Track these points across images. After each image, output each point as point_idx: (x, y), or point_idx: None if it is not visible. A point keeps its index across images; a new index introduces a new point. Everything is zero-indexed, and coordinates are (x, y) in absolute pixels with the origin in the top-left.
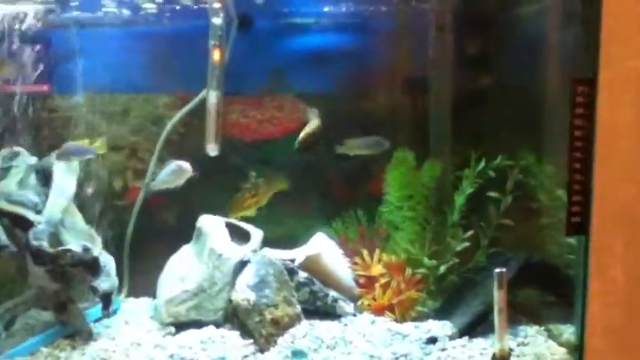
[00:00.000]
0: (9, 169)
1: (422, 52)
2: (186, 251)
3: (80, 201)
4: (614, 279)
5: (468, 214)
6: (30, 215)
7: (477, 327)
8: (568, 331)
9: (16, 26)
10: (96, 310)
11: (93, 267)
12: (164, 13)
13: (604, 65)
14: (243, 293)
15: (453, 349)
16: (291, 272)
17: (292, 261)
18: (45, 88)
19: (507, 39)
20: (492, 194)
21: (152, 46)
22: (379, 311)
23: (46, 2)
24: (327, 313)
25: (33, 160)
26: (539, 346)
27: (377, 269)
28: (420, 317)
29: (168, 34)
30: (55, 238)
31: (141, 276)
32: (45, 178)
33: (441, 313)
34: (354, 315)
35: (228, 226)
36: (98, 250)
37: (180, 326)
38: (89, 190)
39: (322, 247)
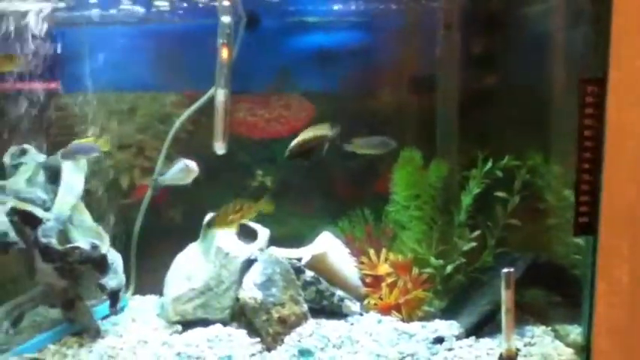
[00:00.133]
0: (18, 166)
1: (429, 50)
2: (193, 249)
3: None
4: (620, 280)
5: (475, 214)
6: (39, 212)
7: (483, 327)
8: (575, 332)
9: (26, 24)
10: (103, 307)
11: (101, 264)
12: (174, 11)
13: (613, 65)
14: (250, 292)
15: (460, 349)
16: (298, 271)
17: (298, 260)
18: (54, 85)
19: (515, 38)
20: (500, 194)
21: (161, 44)
22: (386, 311)
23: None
24: (334, 312)
25: (41, 157)
26: (546, 346)
27: (383, 268)
28: (427, 317)
29: (177, 33)
30: (64, 236)
31: (147, 274)
32: (53, 175)
33: (447, 313)
34: (361, 314)
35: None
36: (106, 248)
37: (187, 324)
38: (97, 188)
39: (328, 246)
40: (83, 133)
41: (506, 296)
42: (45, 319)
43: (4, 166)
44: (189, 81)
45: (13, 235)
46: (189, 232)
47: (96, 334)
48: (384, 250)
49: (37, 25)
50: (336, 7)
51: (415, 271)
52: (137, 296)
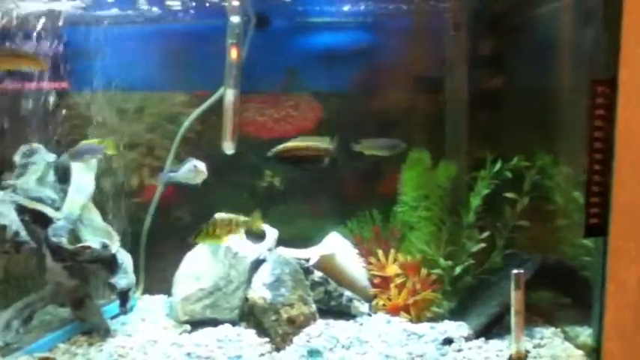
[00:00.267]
0: (28, 165)
1: (438, 51)
2: (201, 249)
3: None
4: (629, 281)
5: (483, 215)
6: (49, 212)
7: (492, 328)
8: (584, 334)
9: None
10: (112, 307)
11: (111, 264)
12: (186, 10)
13: (623, 66)
14: (259, 292)
15: (469, 350)
16: (306, 271)
17: (306, 260)
18: (64, 85)
19: (524, 39)
20: (509, 195)
21: (171, 44)
22: (394, 311)
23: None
24: (342, 312)
25: (51, 157)
26: (556, 347)
27: (392, 269)
28: (436, 318)
29: (187, 33)
30: (74, 235)
31: (156, 273)
32: (63, 175)
33: (455, 314)
34: (369, 315)
35: None
36: (116, 247)
37: (196, 324)
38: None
39: (337, 246)
40: (91, 133)
41: (515, 297)
42: (54, 318)
43: (15, 165)
44: (199, 81)
45: (24, 235)
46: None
47: (105, 333)
48: (392, 251)
49: (47, 25)
50: (344, 8)
51: (424, 271)
52: (146, 296)
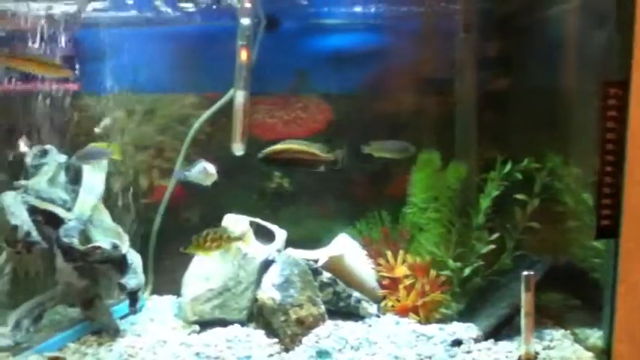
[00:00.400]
0: (40, 166)
1: (448, 52)
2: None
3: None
4: (639, 283)
5: (493, 217)
6: (61, 212)
7: (502, 330)
8: (594, 336)
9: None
10: (121, 307)
11: (121, 264)
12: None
13: (635, 67)
14: (268, 292)
15: (479, 351)
16: (315, 272)
17: (315, 261)
18: (75, 87)
19: (534, 40)
20: (519, 197)
21: (181, 46)
22: (403, 312)
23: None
24: (350, 313)
25: (63, 157)
26: (566, 349)
27: (401, 270)
28: (444, 319)
29: (198, 34)
30: (84, 236)
31: (164, 274)
32: (74, 175)
33: (464, 315)
34: (378, 316)
35: (253, 225)
36: (126, 248)
37: (205, 325)
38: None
39: (345, 248)
40: (103, 134)
41: (526, 299)
42: (64, 317)
43: (26, 166)
44: (209, 83)
45: (35, 235)
46: None
47: (115, 333)
48: (401, 252)
49: (59, 27)
50: (354, 10)
51: (433, 273)
52: (154, 296)
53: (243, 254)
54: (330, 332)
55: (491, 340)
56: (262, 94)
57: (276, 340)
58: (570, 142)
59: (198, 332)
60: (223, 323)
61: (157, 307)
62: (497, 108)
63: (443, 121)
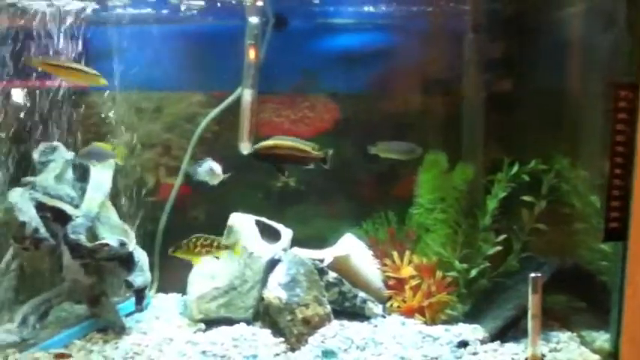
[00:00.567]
0: (47, 163)
1: (455, 53)
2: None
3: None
4: None
5: (499, 218)
6: (68, 209)
7: (508, 331)
8: (601, 338)
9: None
10: (126, 304)
11: (128, 262)
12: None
13: None
14: (274, 291)
15: (485, 353)
16: (321, 272)
17: (320, 261)
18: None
19: (543, 42)
20: (527, 198)
21: (189, 44)
22: (409, 313)
23: None
24: (356, 313)
25: (70, 154)
26: (572, 352)
27: (407, 271)
28: (450, 320)
29: (206, 33)
30: (91, 233)
31: (170, 272)
32: (81, 172)
33: (470, 317)
34: (383, 317)
35: (258, 224)
36: (133, 245)
37: (210, 323)
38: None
39: (351, 248)
40: (110, 132)
41: (533, 301)
42: (70, 314)
43: (34, 162)
44: (216, 81)
45: (43, 232)
46: (212, 231)
47: (121, 330)
48: (407, 253)
49: (68, 23)
50: (362, 10)
51: (439, 274)
52: (160, 294)
53: (249, 253)
54: (336, 332)
55: (498, 342)
56: (270, 93)
57: (282, 339)
58: (578, 144)
59: (204, 331)
60: (229, 322)
61: (163, 305)
62: (504, 109)
63: (450, 122)
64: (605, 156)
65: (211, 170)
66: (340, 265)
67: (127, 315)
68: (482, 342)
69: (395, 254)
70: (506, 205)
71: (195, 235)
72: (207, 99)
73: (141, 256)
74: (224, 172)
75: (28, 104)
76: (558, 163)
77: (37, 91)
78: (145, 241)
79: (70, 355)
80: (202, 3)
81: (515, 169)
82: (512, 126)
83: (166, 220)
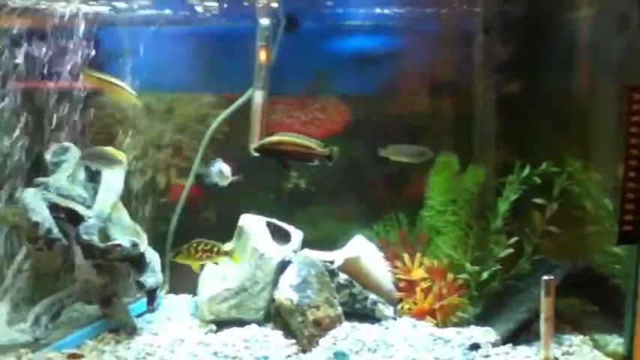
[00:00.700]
0: (59, 164)
1: (467, 55)
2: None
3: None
4: None
5: (511, 221)
6: (81, 210)
7: (520, 334)
8: (614, 342)
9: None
10: (138, 305)
11: (139, 262)
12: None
13: None
14: (286, 293)
15: (497, 356)
16: (332, 274)
17: (331, 263)
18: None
19: (554, 44)
20: (538, 201)
21: (200, 45)
22: (420, 315)
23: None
24: (366, 315)
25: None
26: (585, 355)
27: (417, 273)
28: (461, 323)
29: (218, 34)
30: (103, 233)
31: (180, 273)
32: (93, 173)
33: (481, 319)
34: (394, 319)
35: (269, 225)
36: (144, 246)
37: (221, 324)
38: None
39: (361, 250)
40: (122, 133)
41: (545, 304)
42: (81, 315)
43: (46, 163)
44: (228, 82)
45: (56, 232)
46: (223, 232)
47: (132, 331)
48: (418, 255)
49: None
50: (373, 12)
51: (450, 276)
52: (171, 295)
53: (260, 254)
54: (348, 334)
55: (510, 345)
56: (280, 95)
57: (293, 340)
58: (591, 146)
59: (215, 332)
60: (239, 323)
61: (174, 305)
62: (516, 111)
63: (461, 124)
64: (619, 159)
65: (220, 172)
66: (351, 266)
67: (138, 315)
68: (495, 345)
69: (406, 256)
70: (517, 207)
71: (196, 240)
72: (218, 100)
73: (153, 257)
74: (234, 173)
75: (41, 104)
76: (570, 166)
77: (49, 92)
78: (157, 241)
79: (82, 356)
80: (215, 4)
81: (527, 171)
82: (524, 128)
83: (177, 220)
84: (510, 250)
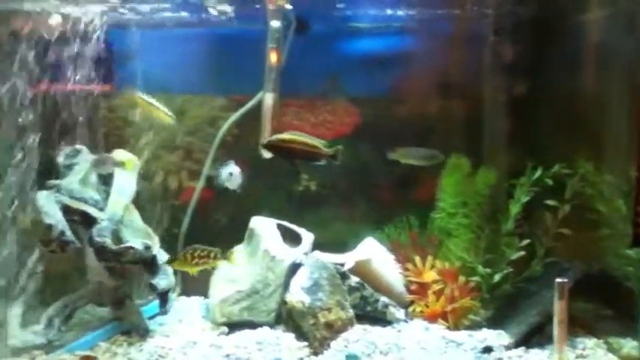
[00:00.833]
0: (71, 166)
1: (478, 57)
2: (238, 252)
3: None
4: None
5: (522, 223)
6: (93, 212)
7: (533, 337)
8: (628, 345)
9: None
10: (149, 307)
11: (152, 265)
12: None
13: None
14: (297, 295)
15: (509, 359)
16: (343, 276)
17: (341, 265)
18: (107, 87)
19: (566, 45)
20: (550, 203)
21: (212, 47)
22: (432, 318)
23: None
24: (378, 318)
25: (100, 155)
26: (599, 359)
27: (429, 275)
28: (473, 326)
29: (228, 37)
30: (115, 236)
31: (192, 275)
32: (105, 176)
33: (492, 322)
34: (405, 321)
35: (279, 228)
36: (156, 248)
37: (233, 326)
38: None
39: (372, 252)
40: (134, 135)
41: (559, 307)
42: (93, 317)
43: (58, 165)
44: (238, 85)
45: (69, 234)
46: (234, 234)
47: (144, 333)
48: (429, 258)
49: (92, 28)
50: (383, 13)
51: (462, 279)
52: (182, 297)
53: (271, 256)
54: (360, 337)
55: (523, 348)
56: (291, 97)
57: (305, 343)
58: (603, 148)
59: (227, 334)
60: (251, 325)
61: (185, 308)
62: (527, 113)
63: (472, 126)
64: (632, 161)
65: (231, 175)
66: (362, 269)
67: (150, 318)
68: (507, 348)
69: (417, 258)
70: (529, 209)
71: (192, 247)
72: (228, 102)
73: (164, 259)
74: (244, 175)
75: (54, 107)
76: (582, 168)
77: (62, 95)
78: (169, 244)
79: (95, 358)
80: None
81: (539, 173)
82: (535, 130)
83: (188, 223)
84: (522, 253)
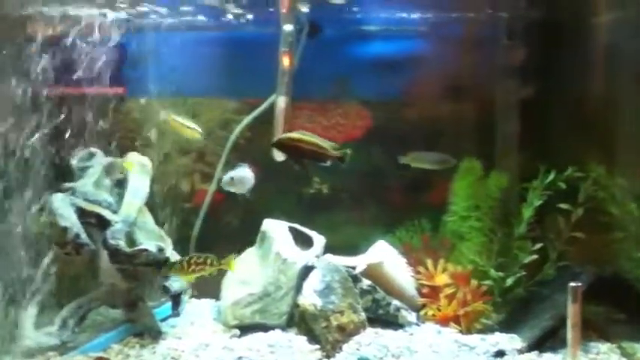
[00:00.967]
0: (85, 169)
1: (490, 60)
2: (250, 254)
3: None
4: None
5: (535, 227)
6: (107, 214)
7: (546, 341)
8: None
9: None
10: (162, 309)
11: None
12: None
13: None
14: (309, 298)
15: None
16: (355, 279)
17: (353, 268)
18: (120, 91)
19: (578, 48)
20: (563, 206)
21: (224, 51)
22: (444, 322)
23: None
24: (389, 321)
25: (107, 161)
26: None
27: (441, 279)
28: (485, 329)
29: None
30: (128, 238)
31: (204, 277)
32: (118, 178)
33: (504, 326)
34: (417, 325)
35: (291, 230)
36: (169, 251)
37: (244, 329)
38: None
39: (384, 255)
40: (146, 138)
41: (572, 310)
42: (105, 319)
43: (72, 168)
44: (250, 88)
45: (84, 237)
46: (246, 236)
47: (157, 335)
48: (441, 261)
49: (104, 32)
50: (394, 17)
51: (474, 282)
52: (193, 299)
53: (283, 259)
54: (372, 340)
55: (536, 352)
56: (303, 100)
57: (317, 346)
58: (616, 151)
59: (239, 336)
60: (263, 328)
61: (197, 310)
62: (539, 116)
63: (484, 129)
64: None
65: (243, 178)
66: (373, 272)
67: (162, 320)
68: (520, 352)
69: (429, 262)
70: (542, 213)
71: (190, 255)
72: (241, 105)
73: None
74: (256, 179)
75: (67, 111)
76: (595, 171)
77: (75, 98)
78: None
79: (108, 359)
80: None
81: (551, 176)
82: (548, 133)
83: (201, 225)
84: (535, 257)
